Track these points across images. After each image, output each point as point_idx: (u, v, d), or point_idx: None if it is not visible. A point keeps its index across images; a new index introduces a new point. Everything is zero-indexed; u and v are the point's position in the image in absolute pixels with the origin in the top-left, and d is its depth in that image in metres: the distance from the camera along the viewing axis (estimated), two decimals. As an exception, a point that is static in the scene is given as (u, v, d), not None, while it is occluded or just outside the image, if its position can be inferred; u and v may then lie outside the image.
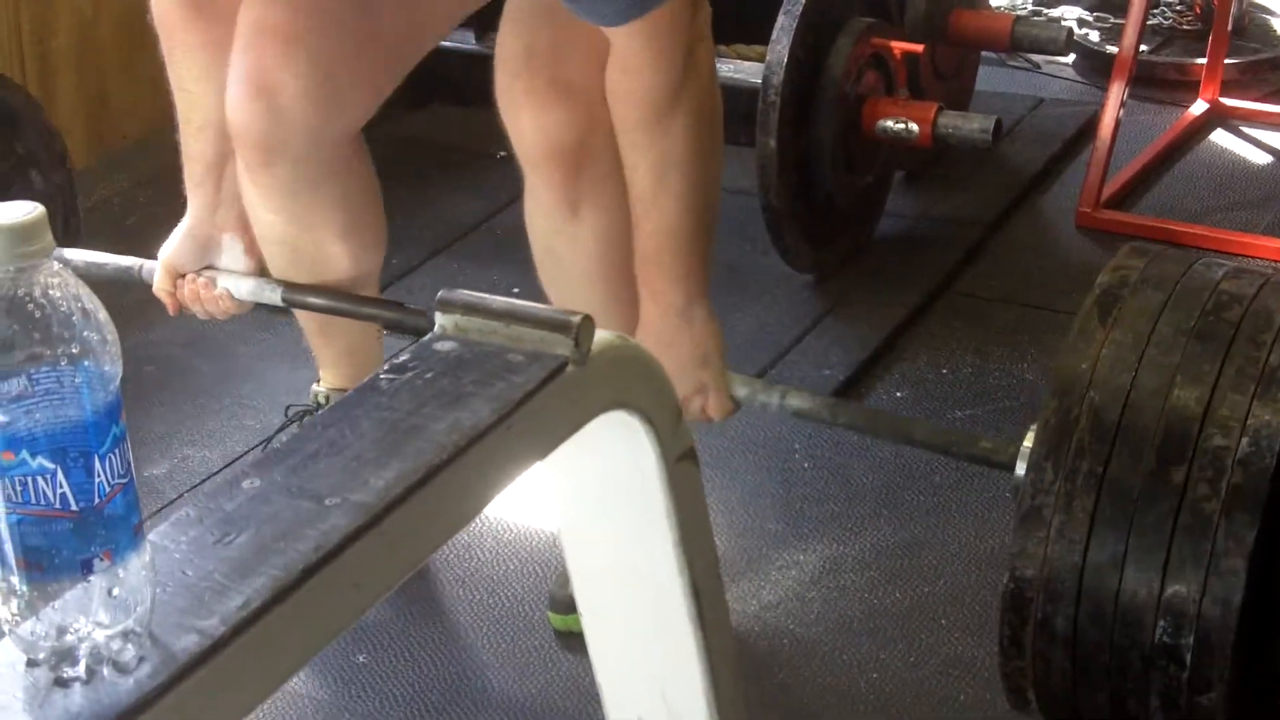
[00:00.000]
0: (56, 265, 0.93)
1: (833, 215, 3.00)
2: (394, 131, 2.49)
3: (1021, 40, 3.31)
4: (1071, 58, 3.90)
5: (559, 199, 2.13)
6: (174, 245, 2.31)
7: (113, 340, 0.94)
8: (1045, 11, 4.11)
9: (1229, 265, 1.90)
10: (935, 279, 3.02)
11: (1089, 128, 3.46)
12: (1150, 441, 1.71)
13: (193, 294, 2.31)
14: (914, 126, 2.91)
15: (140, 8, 3.31)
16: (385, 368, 1.23)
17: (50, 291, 0.92)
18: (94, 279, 2.68)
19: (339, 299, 2.28)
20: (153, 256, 3.14)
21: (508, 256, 3.08)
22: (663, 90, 1.97)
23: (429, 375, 1.22)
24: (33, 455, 0.92)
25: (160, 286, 2.33)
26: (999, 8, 4.02)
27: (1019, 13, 4.03)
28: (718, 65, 2.97)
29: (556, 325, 1.23)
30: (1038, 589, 1.72)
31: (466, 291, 1.29)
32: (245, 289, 2.30)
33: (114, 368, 0.94)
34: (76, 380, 0.92)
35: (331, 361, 2.43)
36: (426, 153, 3.47)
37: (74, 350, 0.92)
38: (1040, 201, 3.36)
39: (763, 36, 2.93)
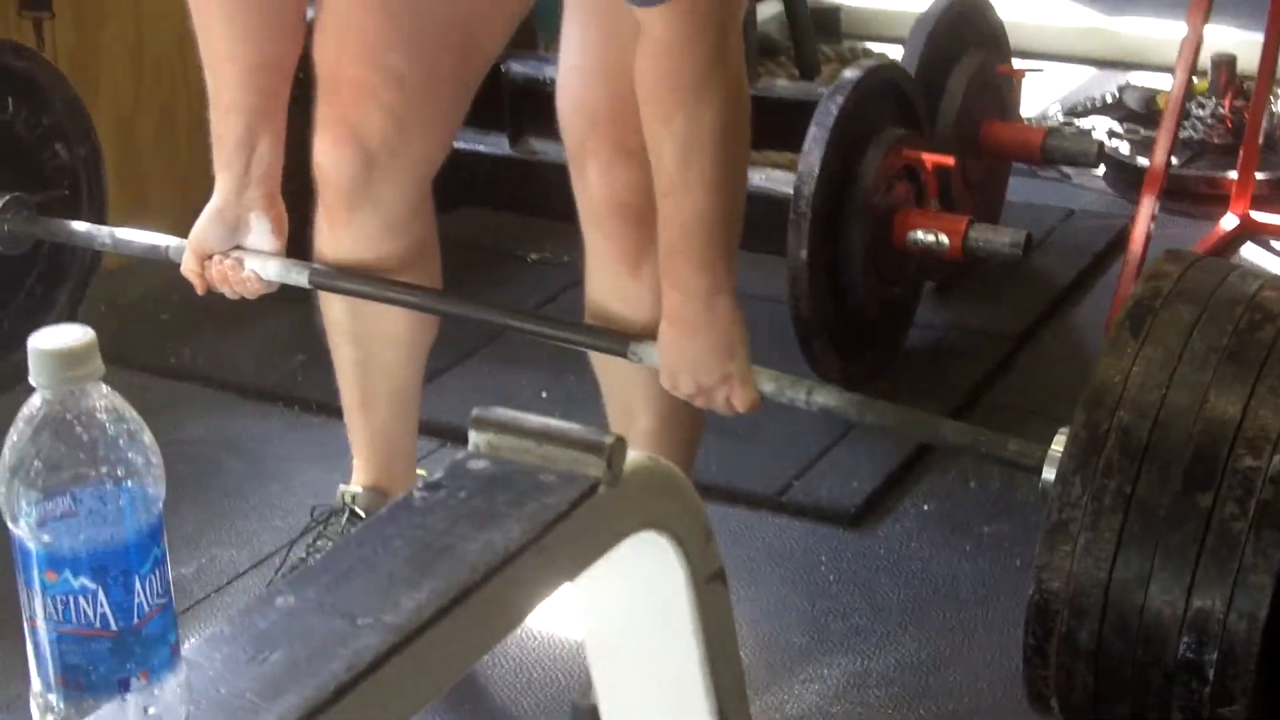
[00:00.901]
0: (105, 388, 0.95)
1: (862, 326, 3.01)
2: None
3: (1052, 153, 3.34)
4: (1102, 169, 3.92)
5: (622, 254, 2.17)
6: (201, 225, 2.33)
7: (156, 463, 0.96)
8: (1076, 123, 4.14)
9: (1265, 276, 1.90)
10: (965, 391, 3.03)
11: (1119, 240, 3.47)
12: (1179, 462, 1.71)
13: (220, 275, 2.33)
14: (944, 239, 2.93)
15: (177, 110, 3.37)
16: (420, 485, 1.24)
17: (97, 414, 0.94)
18: (122, 255, 2.75)
19: (365, 283, 2.30)
20: (189, 355, 3.19)
21: (538, 360, 3.10)
22: (697, 72, 1.96)
23: (462, 494, 1.22)
24: (75, 575, 0.94)
25: (188, 267, 2.35)
26: (1030, 118, 4.06)
27: (1050, 124, 4.06)
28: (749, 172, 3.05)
29: (589, 446, 1.24)
30: (1063, 602, 1.73)
31: (501, 410, 1.30)
32: (272, 270, 2.32)
33: (157, 490, 0.95)
34: (120, 501, 0.94)
35: (366, 442, 2.45)
36: (458, 255, 3.45)
37: (119, 472, 0.94)
38: (1071, 314, 3.37)
39: (792, 143, 2.95)
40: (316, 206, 2.33)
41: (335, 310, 2.38)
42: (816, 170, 2.83)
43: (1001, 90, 3.43)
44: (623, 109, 2.06)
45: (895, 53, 3.63)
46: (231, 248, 2.32)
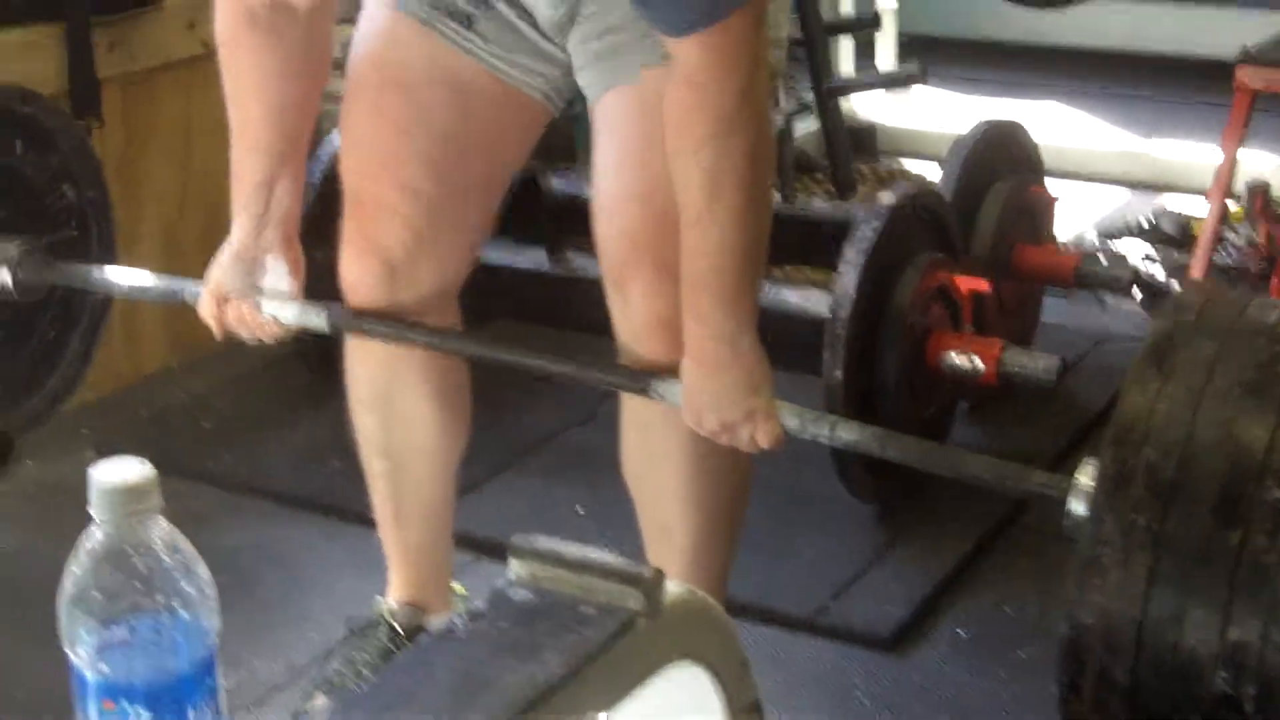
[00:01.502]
0: (163, 521, 0.97)
1: (896, 446, 3.02)
2: (463, 347, 2.59)
3: (1086, 279, 3.37)
4: (1137, 293, 3.94)
5: (663, 369, 2.17)
6: (218, 268, 2.32)
7: (211, 595, 0.98)
8: (1111, 246, 4.17)
9: (1284, 306, 1.92)
10: (999, 513, 3.04)
11: (1151, 366, 3.47)
12: (1207, 497, 1.70)
13: (237, 318, 2.33)
14: (979, 363, 2.95)
15: (222, 217, 3.40)
16: (461, 614, 1.26)
17: (155, 547, 0.97)
18: (139, 300, 2.74)
19: (385, 324, 2.28)
20: (228, 461, 3.22)
21: (573, 474, 3.13)
22: (728, 104, 1.96)
23: (502, 625, 1.24)
24: (131, 704, 0.96)
25: (205, 310, 2.35)
26: (1065, 241, 4.08)
27: (1084, 248, 4.09)
28: (784, 292, 3.08)
29: (628, 579, 1.26)
30: (1096, 638, 1.72)
31: (541, 538, 1.32)
32: (290, 313, 2.32)
33: (211, 622, 0.98)
34: (176, 633, 0.96)
35: (400, 557, 2.47)
36: (493, 368, 3.51)
37: (175, 604, 0.96)
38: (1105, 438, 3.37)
39: (828, 261, 2.98)
40: None
41: (366, 423, 2.41)
42: (852, 293, 2.85)
43: (1036, 214, 3.47)
44: (664, 228, 2.08)
45: (931, 170, 3.67)
46: (248, 291, 2.33)
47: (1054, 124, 5.15)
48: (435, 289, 2.31)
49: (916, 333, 2.96)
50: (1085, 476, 1.85)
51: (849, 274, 2.88)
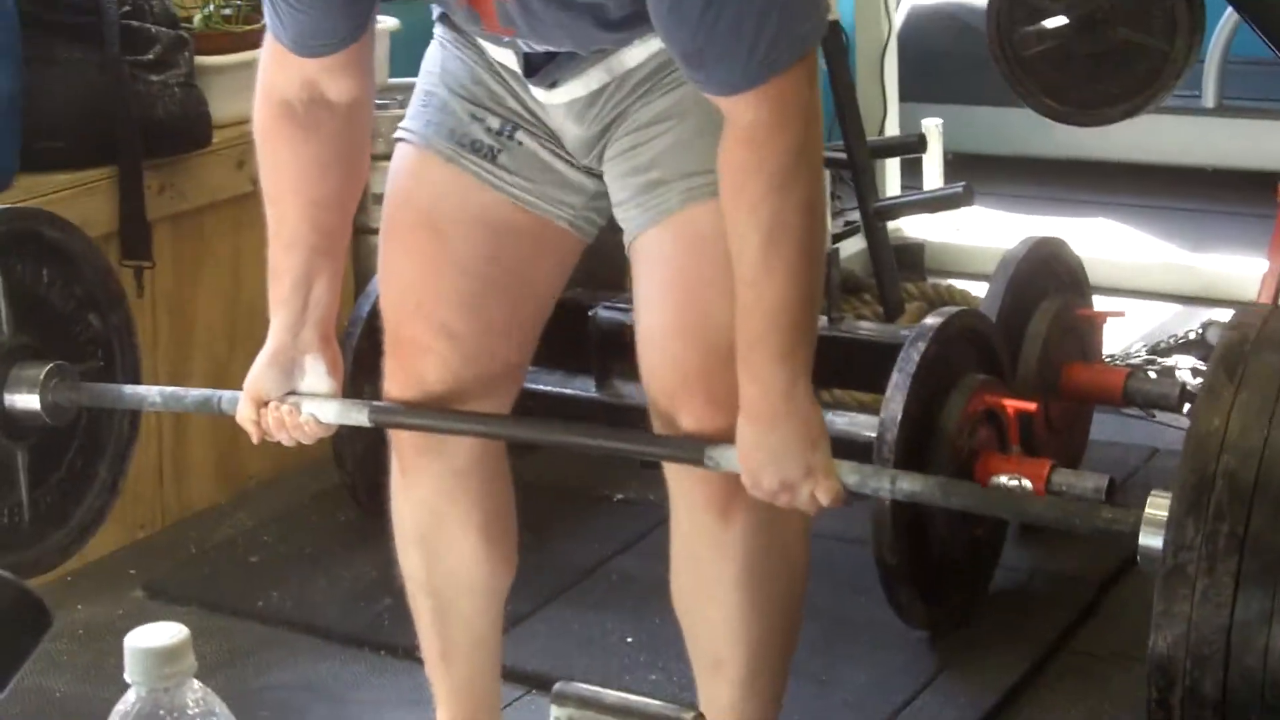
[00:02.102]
0: (197, 684, 0.98)
1: (947, 570, 3.02)
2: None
3: (1134, 396, 3.36)
4: (1186, 407, 3.92)
5: (711, 500, 2.16)
6: (257, 370, 2.28)
7: (243, 757, 0.98)
8: (1159, 361, 4.16)
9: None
10: (1049, 637, 3.02)
11: (1204, 482, 3.46)
12: None
13: (277, 422, 2.28)
14: (1027, 483, 2.93)
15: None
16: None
17: (190, 710, 0.97)
18: (174, 411, 2.69)
19: (428, 415, 2.26)
20: (276, 598, 3.23)
21: (622, 604, 3.13)
22: (786, 159, 1.96)
23: (544, 772, 1.25)
24: None
25: (244, 415, 2.30)
26: (1112, 355, 4.08)
27: (1132, 363, 4.08)
28: (831, 416, 3.08)
29: (668, 724, 1.26)
30: (1184, 650, 1.69)
31: (582, 686, 1.33)
32: (331, 412, 2.28)
33: (243, 783, 0.98)
34: (208, 795, 0.97)
35: (448, 695, 2.46)
36: (541, 496, 3.52)
37: (208, 767, 0.97)
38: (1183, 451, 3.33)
39: (876, 384, 2.98)
40: (389, 456, 2.37)
41: (412, 562, 2.41)
42: (899, 416, 2.85)
43: (1083, 332, 3.47)
44: (712, 363, 2.09)
45: (979, 289, 3.67)
46: (287, 393, 2.29)
47: (1101, 239, 5.16)
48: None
49: (964, 455, 2.95)
50: (1155, 508, 1.84)
51: (895, 398, 2.88)
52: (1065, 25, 3.91)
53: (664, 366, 2.16)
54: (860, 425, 3.08)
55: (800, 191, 1.97)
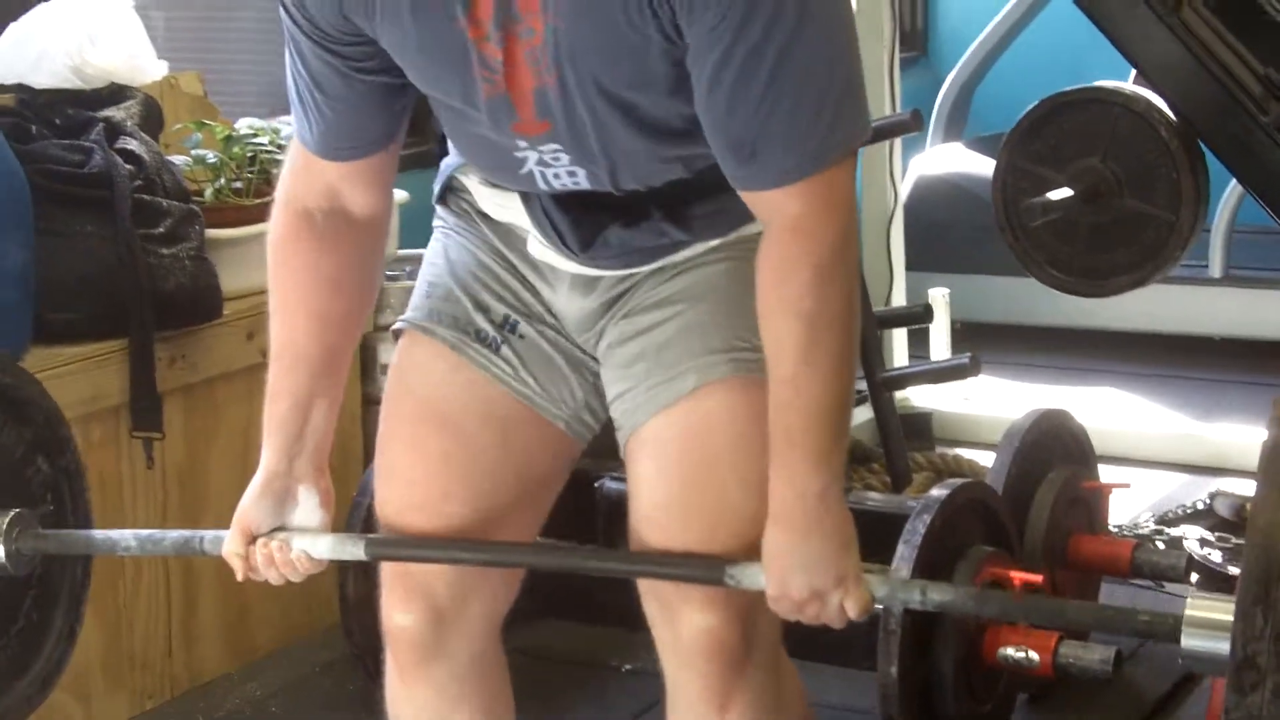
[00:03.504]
0: None
1: (955, 743, 3.00)
2: (514, 644, 2.55)
3: (1141, 568, 3.36)
4: (1194, 577, 3.91)
5: (711, 694, 2.12)
6: (248, 501, 2.21)
7: None
8: (1167, 531, 4.15)
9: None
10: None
11: (1213, 653, 3.45)
12: None
13: (266, 558, 2.19)
14: (1035, 655, 2.93)
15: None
16: None
17: None
18: (152, 556, 2.57)
19: (426, 546, 2.20)
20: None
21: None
22: (831, 251, 1.96)
23: None
24: None
25: (232, 549, 2.21)
26: (1120, 525, 4.08)
27: (1140, 532, 4.08)
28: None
29: None
30: None
31: None
32: (324, 547, 2.20)
33: None
34: None
35: None
36: (549, 666, 3.52)
37: None
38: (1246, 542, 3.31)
39: (883, 555, 2.98)
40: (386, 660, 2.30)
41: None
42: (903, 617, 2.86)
43: (1090, 503, 3.47)
44: (713, 548, 2.08)
45: (988, 457, 3.68)
46: (277, 526, 2.21)
47: (1108, 408, 5.17)
48: (482, 629, 2.27)
49: (971, 627, 2.95)
50: (1193, 610, 1.85)
51: (902, 569, 2.88)
52: (1070, 196, 3.96)
53: (661, 541, 2.12)
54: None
55: (842, 285, 1.98)
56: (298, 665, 3.64)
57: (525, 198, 2.19)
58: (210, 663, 3.59)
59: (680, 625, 2.12)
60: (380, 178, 2.18)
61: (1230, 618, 1.79)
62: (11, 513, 2.41)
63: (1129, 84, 4.00)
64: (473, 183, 2.27)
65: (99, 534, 2.57)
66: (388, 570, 2.25)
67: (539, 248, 2.22)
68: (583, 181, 2.09)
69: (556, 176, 2.09)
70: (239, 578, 2.24)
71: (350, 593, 3.26)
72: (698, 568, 2.08)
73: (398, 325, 2.29)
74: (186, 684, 3.54)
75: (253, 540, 2.21)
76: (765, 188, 1.96)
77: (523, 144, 2.06)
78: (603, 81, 1.97)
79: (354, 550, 2.20)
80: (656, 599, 2.15)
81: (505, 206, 2.23)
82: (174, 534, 2.45)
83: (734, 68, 1.89)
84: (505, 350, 2.22)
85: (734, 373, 2.10)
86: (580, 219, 2.15)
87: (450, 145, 2.26)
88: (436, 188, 2.32)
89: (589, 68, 1.95)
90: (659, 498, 2.14)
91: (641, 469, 2.16)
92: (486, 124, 2.06)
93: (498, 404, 2.22)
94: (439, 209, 2.32)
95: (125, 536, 2.49)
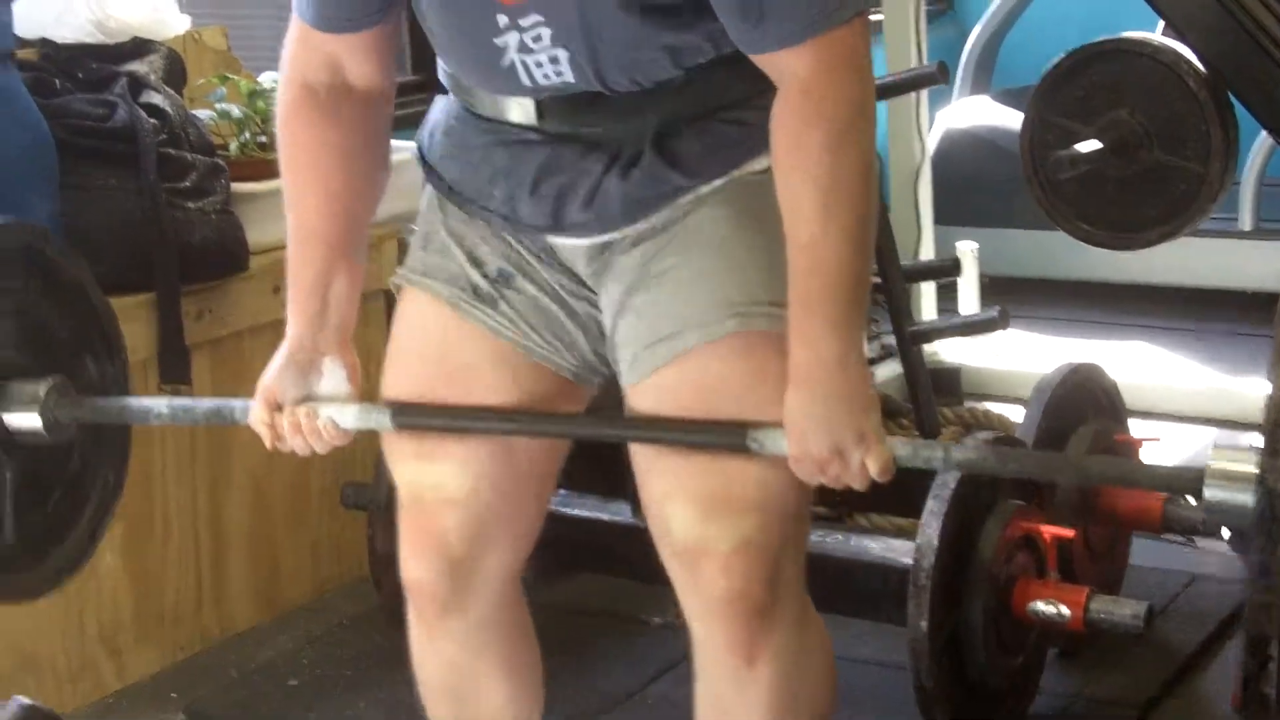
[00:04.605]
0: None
1: (985, 695, 2.99)
2: (544, 599, 2.56)
3: (1173, 522, 3.34)
4: (1226, 533, 3.90)
5: (737, 645, 2.12)
6: (272, 372, 2.23)
7: None
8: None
9: None
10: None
11: (1244, 606, 3.43)
12: None
13: (293, 426, 2.21)
14: (1065, 610, 2.92)
15: (310, 478, 3.43)
16: None
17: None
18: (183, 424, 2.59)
19: (455, 415, 2.19)
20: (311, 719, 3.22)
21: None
22: (844, 113, 1.96)
23: None
24: None
25: (258, 418, 2.23)
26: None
27: (1171, 488, 4.06)
28: (867, 542, 3.08)
29: None
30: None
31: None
32: (350, 416, 2.21)
33: None
34: None
35: None
36: (580, 621, 3.52)
37: None
38: (1197, 682, 3.32)
39: (912, 509, 2.97)
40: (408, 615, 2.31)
41: (440, 713, 2.38)
42: (935, 543, 2.85)
43: (1122, 457, 3.45)
44: (740, 510, 2.07)
45: (1017, 412, 3.67)
46: (303, 396, 2.23)
47: (1138, 362, 5.15)
48: (501, 577, 2.27)
49: (1001, 581, 2.94)
50: (1217, 461, 1.86)
51: (931, 524, 2.87)
52: (1099, 149, 3.92)
53: (681, 524, 2.11)
54: (896, 551, 3.07)
55: (858, 150, 1.97)
56: (328, 617, 3.65)
57: (518, 158, 2.16)
58: (241, 616, 3.60)
59: (702, 579, 2.11)
60: (379, 50, 2.19)
61: (1254, 469, 1.78)
62: (49, 380, 2.43)
63: (1157, 35, 3.96)
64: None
65: (133, 401, 2.57)
66: (403, 524, 2.25)
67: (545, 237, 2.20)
68: (566, 71, 2.07)
69: (539, 65, 2.07)
70: (267, 445, 2.25)
71: (379, 545, 3.26)
72: (720, 434, 2.07)
73: (395, 280, 2.27)
74: (218, 636, 3.56)
75: (279, 409, 2.22)
76: (774, 48, 1.96)
77: (503, 20, 2.04)
78: None
79: (380, 419, 2.20)
80: (677, 555, 2.13)
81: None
82: (206, 402, 2.47)
83: None
84: (503, 306, 2.21)
85: (737, 329, 2.08)
86: (576, 174, 2.13)
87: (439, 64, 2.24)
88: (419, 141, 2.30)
89: None
90: (673, 485, 2.12)
91: (644, 472, 2.16)
92: None
93: (502, 359, 2.21)
94: (427, 174, 2.30)
95: (158, 404, 2.51)
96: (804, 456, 2.01)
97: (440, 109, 2.29)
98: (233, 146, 3.57)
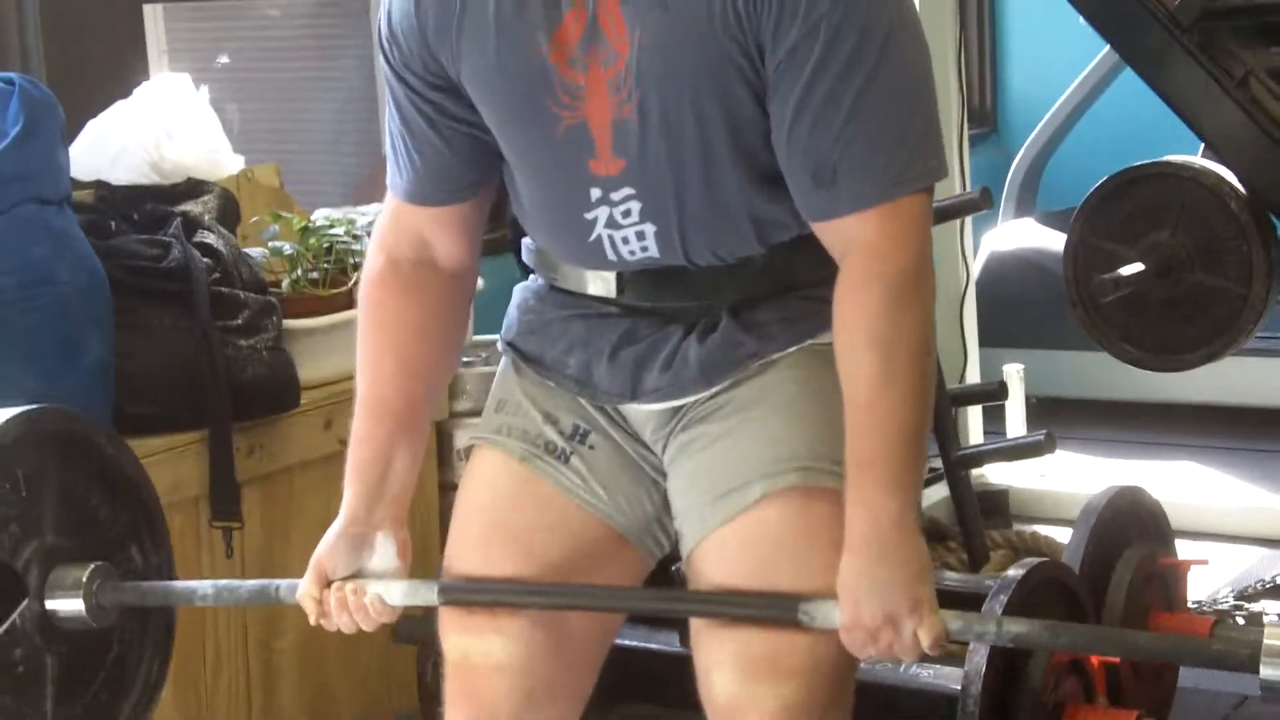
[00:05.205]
0: None
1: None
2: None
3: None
4: (1277, 653, 3.88)
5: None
6: (326, 545, 2.21)
7: None
8: (1247, 606, 4.12)
9: None
10: None
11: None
12: None
13: (340, 602, 2.19)
14: (1115, 737, 2.92)
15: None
16: None
17: None
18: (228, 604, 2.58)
19: (501, 592, 2.19)
20: None
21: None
22: (907, 274, 2.00)
23: None
24: None
25: (307, 592, 2.21)
26: (1199, 601, 4.05)
27: (1219, 609, 4.05)
28: (916, 669, 3.08)
29: None
30: None
31: None
32: (397, 593, 2.19)
33: None
34: None
35: None
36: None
37: None
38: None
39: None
40: None
41: None
42: (983, 669, 2.85)
43: (1168, 580, 3.46)
44: (784, 661, 2.06)
45: (1065, 534, 3.67)
46: (354, 572, 2.21)
47: (1185, 482, 5.15)
48: None
49: (1050, 708, 2.94)
50: (1273, 638, 1.84)
51: (979, 650, 2.87)
52: (1141, 271, 3.95)
53: (728, 692, 2.12)
54: (945, 678, 3.06)
55: (918, 311, 2.01)
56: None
57: (595, 329, 2.20)
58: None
59: None
60: (467, 228, 2.23)
61: None
62: (92, 565, 2.43)
63: (1198, 158, 4.00)
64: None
65: (177, 585, 2.58)
66: (450, 686, 2.24)
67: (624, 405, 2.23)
68: (651, 247, 2.12)
69: (625, 241, 2.12)
70: (311, 621, 2.24)
71: (430, 679, 3.27)
72: (771, 606, 2.07)
73: (468, 442, 2.30)
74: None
75: (328, 584, 2.21)
76: (843, 213, 2.00)
77: (595, 194, 2.09)
78: (682, 108, 2.01)
79: (427, 595, 2.20)
80: (720, 714, 2.14)
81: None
82: (250, 583, 2.47)
83: (820, 90, 1.95)
84: (574, 461, 2.23)
85: (799, 482, 2.10)
86: (655, 341, 2.17)
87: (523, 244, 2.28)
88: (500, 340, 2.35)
89: (669, 94, 2.00)
90: (728, 646, 2.11)
91: (703, 582, 2.16)
92: (561, 168, 2.10)
93: (569, 518, 2.22)
94: (507, 350, 2.33)
95: (203, 586, 2.51)
96: (856, 625, 2.01)
97: (519, 291, 2.34)
98: (285, 283, 3.61)
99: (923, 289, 2.02)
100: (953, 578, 3.66)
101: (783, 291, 2.15)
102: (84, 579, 2.41)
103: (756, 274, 2.15)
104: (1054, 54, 6.69)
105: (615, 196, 2.09)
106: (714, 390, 2.17)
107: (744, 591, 2.10)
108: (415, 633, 3.38)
